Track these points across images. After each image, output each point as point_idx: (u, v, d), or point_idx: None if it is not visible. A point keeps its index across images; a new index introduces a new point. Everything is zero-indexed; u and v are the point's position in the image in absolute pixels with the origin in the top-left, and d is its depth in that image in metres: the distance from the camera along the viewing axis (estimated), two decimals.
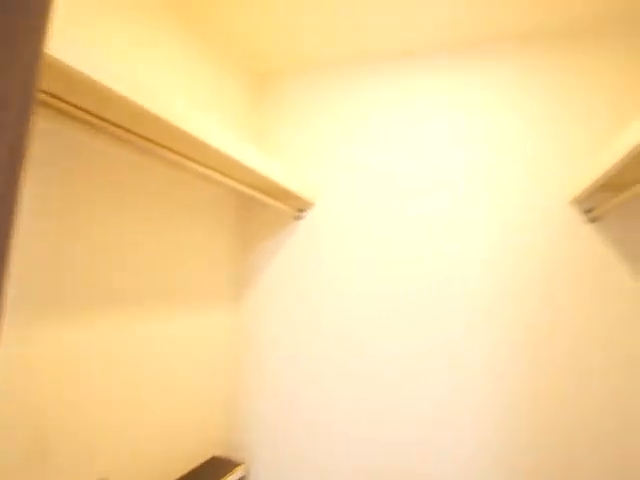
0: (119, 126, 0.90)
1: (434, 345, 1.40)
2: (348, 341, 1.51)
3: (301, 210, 1.63)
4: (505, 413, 1.30)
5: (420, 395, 1.40)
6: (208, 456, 1.56)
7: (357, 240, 1.54)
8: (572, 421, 1.23)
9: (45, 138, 0.95)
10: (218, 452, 1.62)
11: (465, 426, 1.33)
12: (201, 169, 1.13)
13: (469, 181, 1.42)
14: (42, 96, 0.73)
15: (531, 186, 1.35)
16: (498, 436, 1.30)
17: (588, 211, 1.27)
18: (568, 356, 1.25)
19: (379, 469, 1.43)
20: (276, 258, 1.65)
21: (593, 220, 1.27)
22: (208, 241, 1.54)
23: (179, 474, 1.41)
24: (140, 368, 1.25)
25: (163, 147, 1.03)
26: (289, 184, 1.37)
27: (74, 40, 0.67)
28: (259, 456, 1.60)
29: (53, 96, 0.76)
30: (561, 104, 1.35)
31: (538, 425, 1.26)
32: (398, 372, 1.43)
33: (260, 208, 1.70)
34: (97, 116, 0.84)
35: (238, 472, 1.51)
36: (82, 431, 1.06)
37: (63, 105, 0.78)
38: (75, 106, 0.80)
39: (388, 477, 1.41)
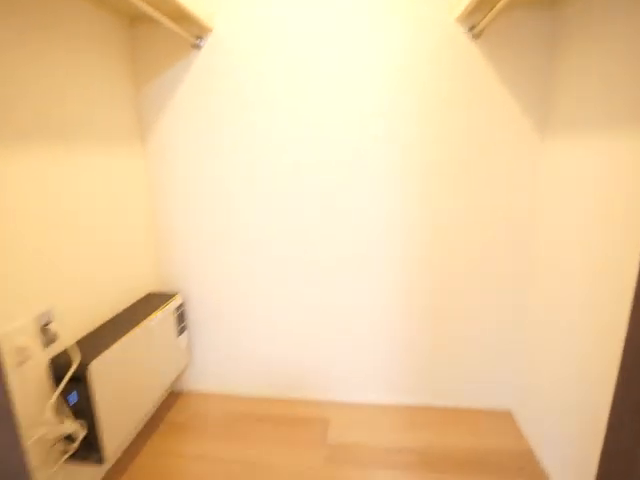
0: None
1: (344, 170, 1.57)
2: (259, 168, 1.59)
3: (199, 37, 1.49)
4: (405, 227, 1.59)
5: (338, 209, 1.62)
6: (143, 293, 1.67)
7: (256, 72, 1.51)
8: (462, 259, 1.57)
9: None
10: (152, 289, 1.73)
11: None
12: None
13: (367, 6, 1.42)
14: None
15: (420, 5, 1.41)
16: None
17: (472, 28, 1.41)
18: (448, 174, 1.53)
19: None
20: (177, 91, 1.56)
21: (477, 36, 1.41)
22: (101, 76, 1.36)
23: (118, 310, 1.51)
24: (67, 208, 1.20)
25: None
26: None
27: None
28: (191, 287, 1.76)
29: None
30: None
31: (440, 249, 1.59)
32: (311, 198, 1.61)
33: (155, 37, 1.52)
34: None
35: (176, 300, 1.66)
36: (24, 261, 1.05)
37: None
38: None
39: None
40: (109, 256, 1.44)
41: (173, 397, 1.85)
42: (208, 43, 1.50)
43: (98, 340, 1.27)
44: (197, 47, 1.50)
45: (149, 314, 1.48)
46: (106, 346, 1.24)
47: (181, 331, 1.71)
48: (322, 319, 1.72)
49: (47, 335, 1.16)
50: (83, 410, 1.18)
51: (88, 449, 1.21)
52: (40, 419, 1.11)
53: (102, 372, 1.20)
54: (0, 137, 1.01)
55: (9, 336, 1.04)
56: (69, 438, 1.18)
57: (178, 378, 1.88)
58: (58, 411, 1.16)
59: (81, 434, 1.17)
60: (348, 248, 1.63)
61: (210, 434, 1.61)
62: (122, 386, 1.30)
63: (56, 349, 1.19)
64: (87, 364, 1.15)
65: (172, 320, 1.63)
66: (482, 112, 1.47)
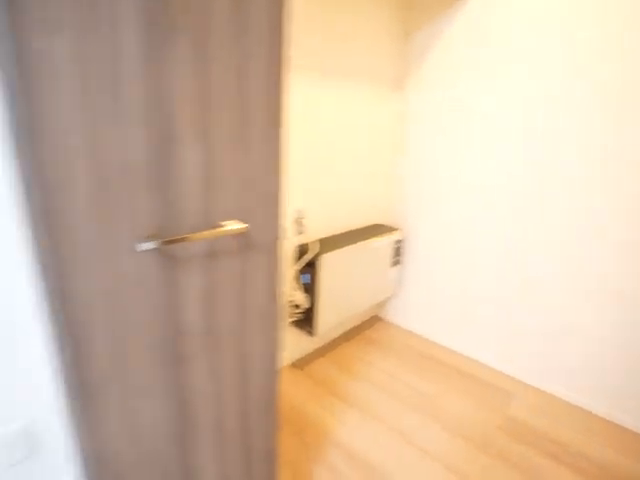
0: None
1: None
2: (502, 130, 1.53)
3: None
4: None
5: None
6: (372, 222, 1.93)
7: (512, 35, 1.41)
8: None
9: None
10: (380, 221, 1.97)
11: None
12: None
13: None
14: None
15: None
16: None
17: None
18: None
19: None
20: (439, 44, 1.64)
21: None
22: (372, 24, 1.60)
23: (350, 228, 1.80)
24: (338, 137, 1.54)
25: None
26: None
27: None
28: (414, 229, 1.90)
29: None
30: None
31: None
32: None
33: None
34: None
35: (397, 235, 1.84)
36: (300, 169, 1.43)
37: None
38: None
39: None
40: (354, 183, 1.73)
41: (374, 320, 2.10)
42: None
43: (331, 242, 1.59)
44: (463, 1, 1.53)
45: (372, 237, 1.71)
46: (335, 247, 1.54)
47: (394, 264, 1.90)
48: (532, 300, 1.57)
49: (299, 226, 1.53)
50: (310, 290, 1.52)
51: (307, 320, 1.56)
52: (284, 282, 1.52)
53: (328, 265, 1.50)
54: (313, 81, 1.36)
55: None
56: (297, 307, 1.56)
57: (382, 305, 2.11)
58: (295, 283, 1.54)
59: (305, 305, 1.52)
60: (581, 221, 1.40)
61: (399, 359, 1.77)
62: (339, 284, 1.59)
63: (302, 240, 1.56)
64: (320, 255, 1.46)
65: (389, 251, 1.83)
66: None
